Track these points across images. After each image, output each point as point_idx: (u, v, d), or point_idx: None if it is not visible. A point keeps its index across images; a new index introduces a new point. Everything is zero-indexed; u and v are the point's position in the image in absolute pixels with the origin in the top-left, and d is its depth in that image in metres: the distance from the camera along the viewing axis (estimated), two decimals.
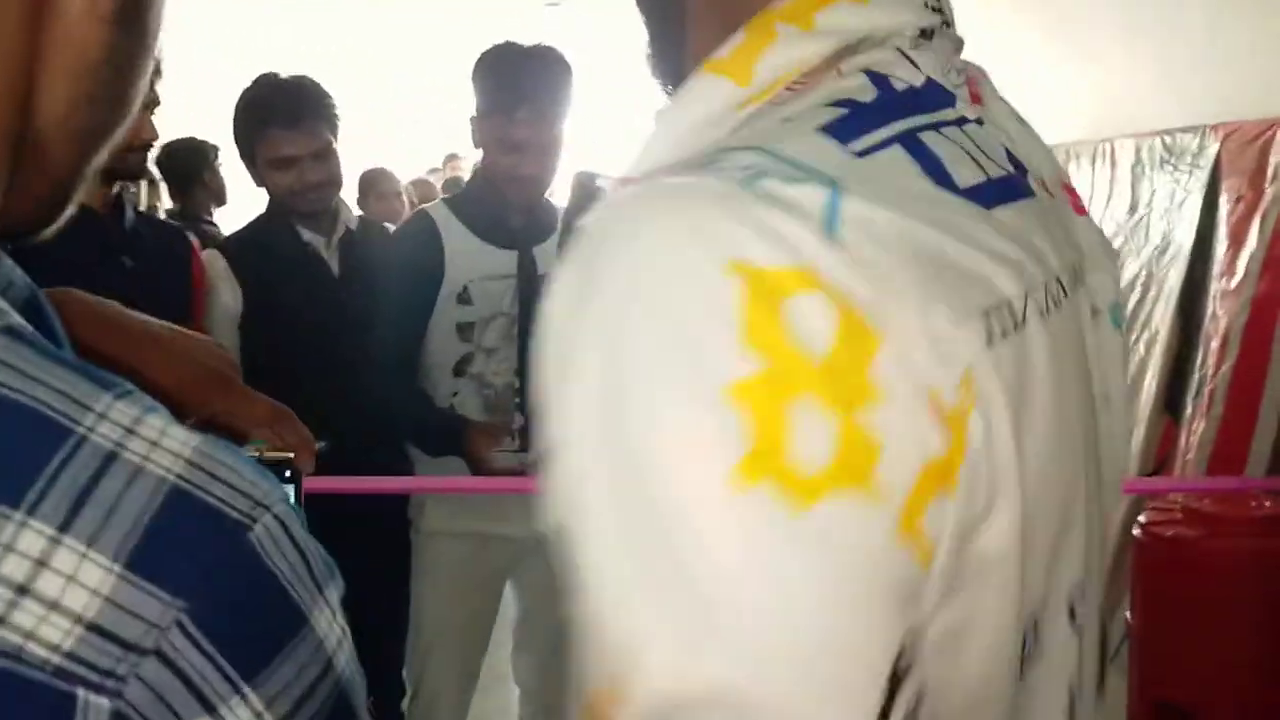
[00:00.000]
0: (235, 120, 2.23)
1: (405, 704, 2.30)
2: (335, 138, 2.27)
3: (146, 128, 2.01)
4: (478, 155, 2.36)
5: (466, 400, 2.20)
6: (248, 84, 2.26)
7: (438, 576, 2.24)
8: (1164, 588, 2.35)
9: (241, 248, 2.33)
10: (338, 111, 2.28)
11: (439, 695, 2.25)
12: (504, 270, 2.21)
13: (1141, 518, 2.36)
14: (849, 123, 0.50)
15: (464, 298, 2.20)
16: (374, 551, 2.15)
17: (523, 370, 2.25)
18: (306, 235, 2.27)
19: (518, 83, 2.14)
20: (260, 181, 2.27)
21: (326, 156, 2.23)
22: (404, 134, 8.53)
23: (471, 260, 2.21)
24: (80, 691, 0.37)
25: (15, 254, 0.47)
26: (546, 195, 2.32)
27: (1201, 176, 3.36)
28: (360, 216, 2.50)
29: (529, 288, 2.20)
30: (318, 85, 2.28)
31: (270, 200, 2.30)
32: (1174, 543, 2.29)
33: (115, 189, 2.04)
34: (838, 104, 0.51)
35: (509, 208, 2.21)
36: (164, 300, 1.69)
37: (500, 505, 2.17)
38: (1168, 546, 2.31)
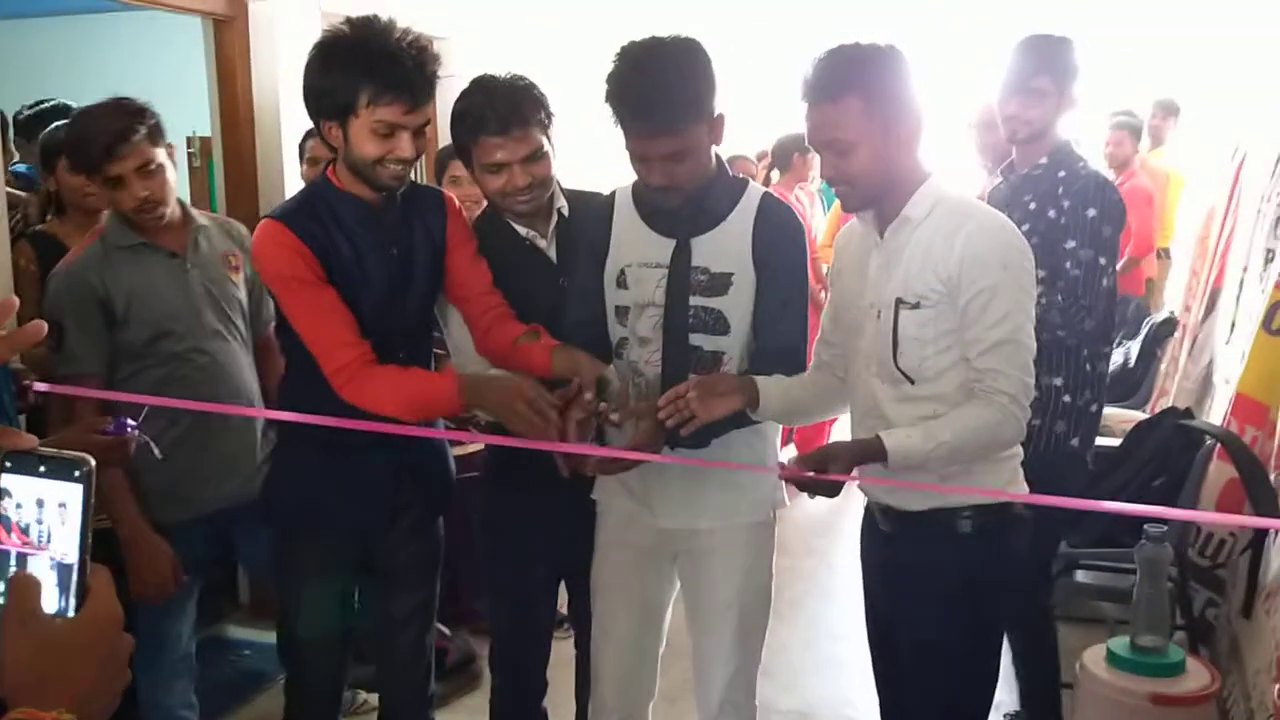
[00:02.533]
0: (451, 126, 2.25)
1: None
2: (548, 138, 2.27)
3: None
4: None
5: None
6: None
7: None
8: None
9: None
10: (551, 111, 2.28)
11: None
12: (659, 258, 2.15)
13: None
14: None
15: (621, 281, 2.21)
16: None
17: (668, 362, 2.16)
18: (523, 230, 2.33)
19: (624, 97, 2.02)
20: (478, 183, 2.32)
21: (537, 159, 2.24)
22: None
23: (632, 244, 2.21)
24: None
25: None
26: (724, 183, 2.17)
27: None
28: (569, 195, 2.39)
29: (679, 280, 2.13)
30: (530, 87, 2.27)
31: (487, 200, 2.35)
32: None
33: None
34: None
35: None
36: None
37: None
38: None
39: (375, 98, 2.03)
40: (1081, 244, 2.66)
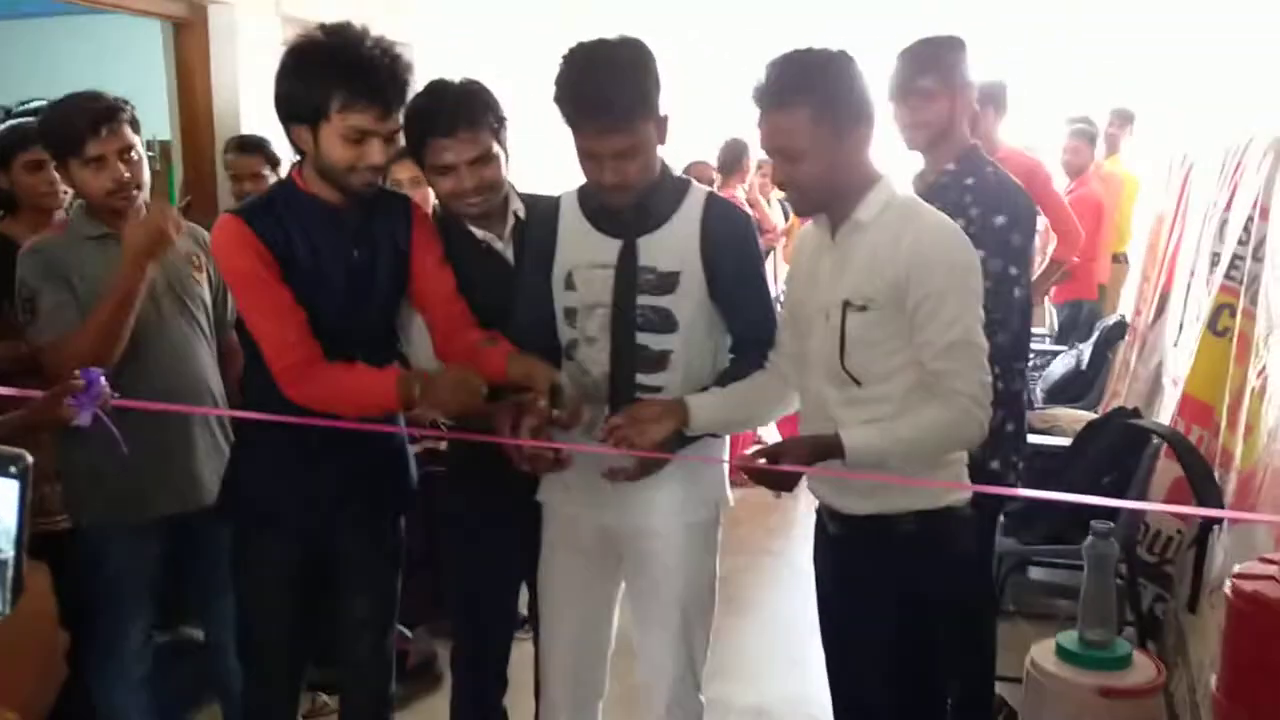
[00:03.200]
0: (404, 128, 2.20)
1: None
2: (500, 141, 2.29)
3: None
4: None
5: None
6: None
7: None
8: (1257, 659, 1.90)
9: None
10: (503, 115, 2.30)
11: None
12: (606, 259, 2.18)
13: (1237, 568, 1.95)
14: None
15: (569, 283, 2.23)
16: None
17: (615, 361, 2.19)
18: (480, 234, 2.35)
19: (573, 95, 2.04)
20: (430, 185, 2.36)
21: (486, 161, 2.26)
22: None
23: (578, 246, 2.23)
24: None
25: None
26: (668, 184, 2.20)
27: None
28: (526, 199, 2.41)
29: (626, 279, 2.16)
30: (481, 90, 2.29)
31: (439, 203, 2.39)
32: (1271, 607, 1.82)
33: None
34: None
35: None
36: None
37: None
38: (1264, 611, 1.82)
39: (347, 104, 2.04)
40: (990, 254, 2.49)
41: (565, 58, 2.07)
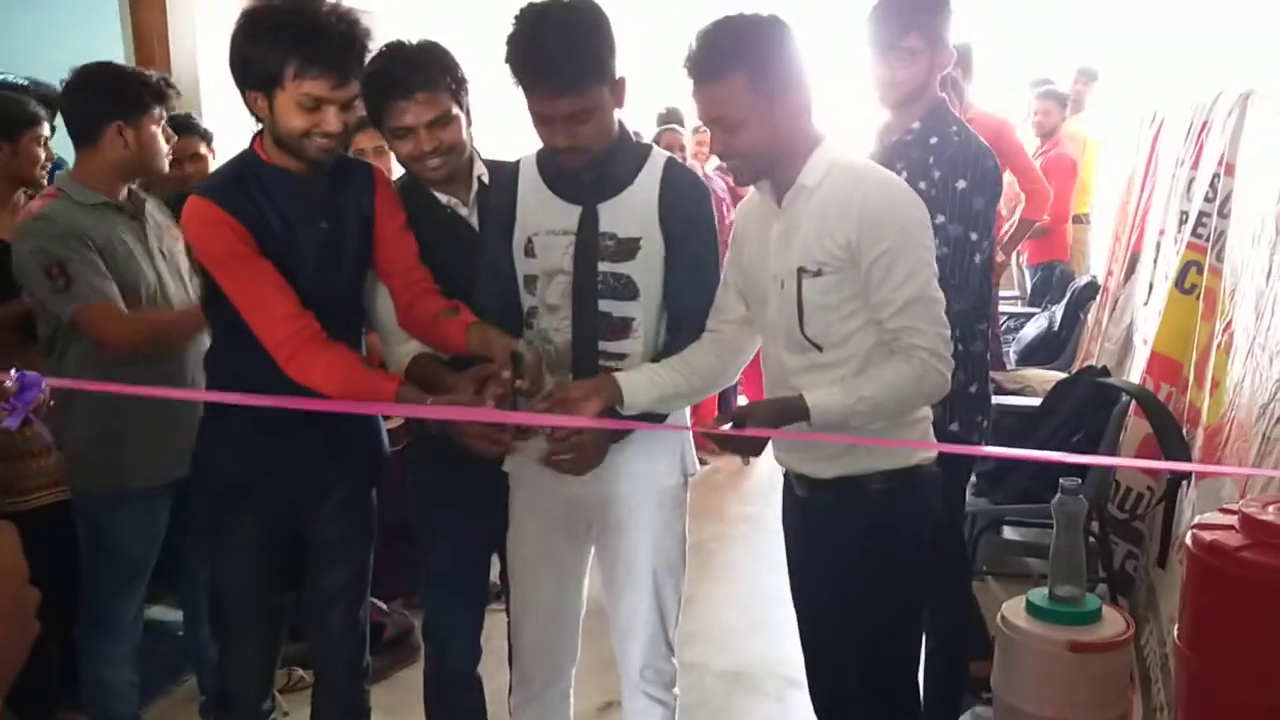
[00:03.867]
0: (363, 90, 2.17)
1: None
2: (459, 103, 2.26)
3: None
4: None
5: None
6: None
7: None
8: (1217, 609, 1.90)
9: None
10: (463, 76, 2.26)
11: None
12: (566, 225, 2.16)
13: (1197, 519, 1.96)
14: None
15: (529, 250, 2.21)
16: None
17: (578, 329, 2.17)
18: (444, 199, 2.33)
19: (524, 58, 2.02)
20: (390, 148, 2.32)
21: (446, 123, 2.23)
22: None
23: (538, 212, 2.21)
24: None
25: None
26: (628, 149, 2.18)
27: None
28: (489, 163, 2.39)
29: (587, 246, 2.14)
30: (439, 51, 2.25)
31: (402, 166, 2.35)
32: (1231, 557, 1.81)
33: None
34: None
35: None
36: None
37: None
38: (1223, 561, 1.82)
39: (301, 71, 2.02)
40: (950, 218, 2.51)
41: (516, 18, 2.04)
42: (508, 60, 2.04)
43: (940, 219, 2.49)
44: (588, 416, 2.01)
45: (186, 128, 3.64)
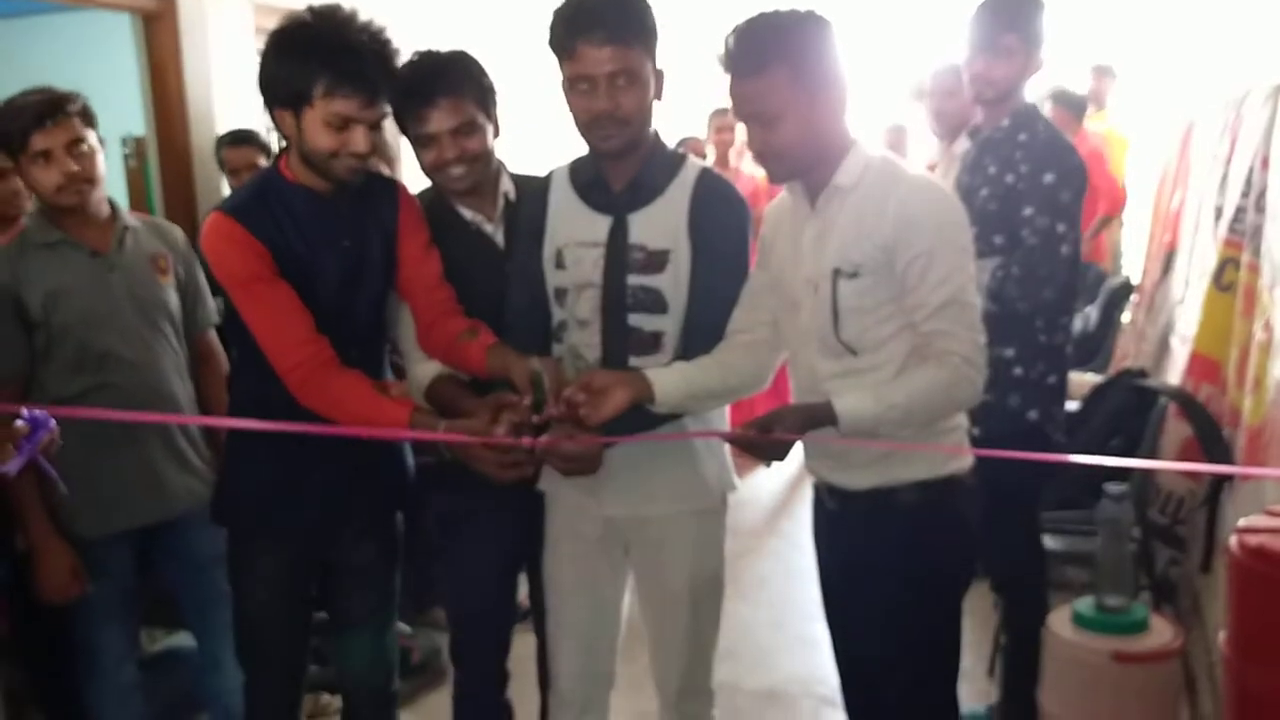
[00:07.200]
0: (390, 100, 2.12)
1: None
2: (486, 112, 2.19)
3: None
4: None
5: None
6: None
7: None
8: (1265, 614, 1.81)
9: None
10: (489, 85, 2.20)
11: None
12: (595, 237, 2.11)
13: (1241, 523, 1.89)
14: None
15: (559, 262, 2.16)
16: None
17: (607, 344, 2.12)
18: (468, 215, 2.27)
19: (573, 11, 2.00)
20: (417, 158, 2.24)
21: (470, 131, 2.16)
22: None
23: (568, 222, 2.16)
24: None
25: None
26: (661, 156, 2.14)
27: None
28: (516, 179, 2.33)
29: (616, 258, 2.08)
30: (467, 60, 2.20)
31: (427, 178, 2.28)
32: (1277, 561, 1.75)
33: None
34: None
35: (610, 171, 2.11)
36: None
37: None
38: (1270, 566, 1.76)
39: (331, 89, 1.98)
40: (1039, 210, 2.58)
41: None
42: (553, 25, 2.01)
43: (1028, 210, 2.59)
44: (614, 407, 1.94)
45: (247, 140, 3.62)
